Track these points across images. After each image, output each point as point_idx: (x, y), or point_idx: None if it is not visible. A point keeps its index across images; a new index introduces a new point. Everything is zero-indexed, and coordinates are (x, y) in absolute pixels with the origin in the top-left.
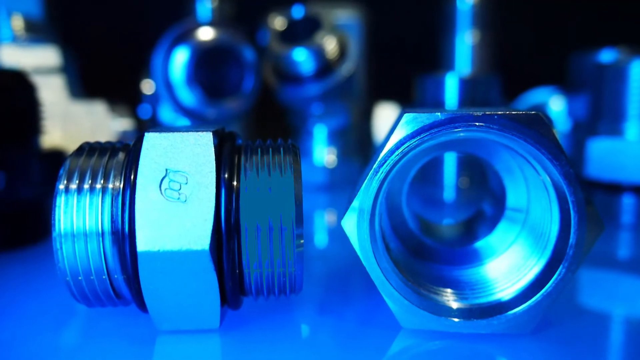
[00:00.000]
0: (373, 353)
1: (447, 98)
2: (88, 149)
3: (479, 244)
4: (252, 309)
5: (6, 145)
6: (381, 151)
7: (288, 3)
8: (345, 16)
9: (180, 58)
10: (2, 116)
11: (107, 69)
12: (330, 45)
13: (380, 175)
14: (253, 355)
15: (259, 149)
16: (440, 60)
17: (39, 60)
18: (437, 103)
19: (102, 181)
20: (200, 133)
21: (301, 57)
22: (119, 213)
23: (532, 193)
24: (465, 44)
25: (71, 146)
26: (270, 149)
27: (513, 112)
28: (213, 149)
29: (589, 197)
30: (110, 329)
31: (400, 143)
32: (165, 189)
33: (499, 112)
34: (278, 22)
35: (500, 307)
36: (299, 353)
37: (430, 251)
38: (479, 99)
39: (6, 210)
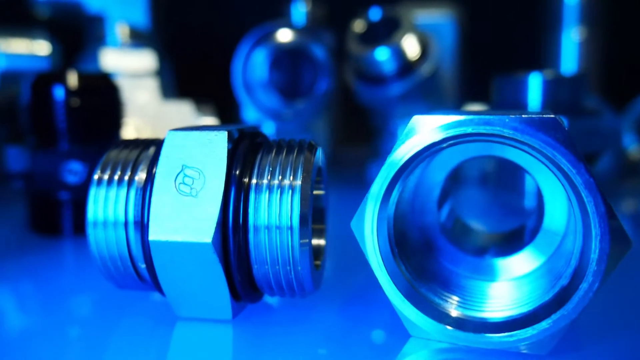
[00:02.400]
0: None
1: (530, 100)
2: (126, 143)
3: (506, 258)
4: (277, 304)
5: (91, 140)
6: (389, 155)
7: (382, 4)
8: (438, 15)
9: (257, 60)
10: (90, 114)
11: (206, 71)
12: (410, 44)
13: (387, 179)
14: (259, 350)
15: (275, 148)
16: (543, 59)
17: (137, 64)
18: (516, 105)
19: (129, 173)
20: (215, 132)
21: (383, 57)
22: (140, 204)
23: (570, 212)
24: (571, 41)
25: None
26: (285, 149)
27: (527, 116)
28: (226, 148)
29: (613, 209)
30: (139, 309)
31: (408, 146)
32: (180, 184)
33: (512, 115)
34: (357, 25)
35: (515, 324)
36: (304, 352)
37: (456, 257)
38: (563, 101)
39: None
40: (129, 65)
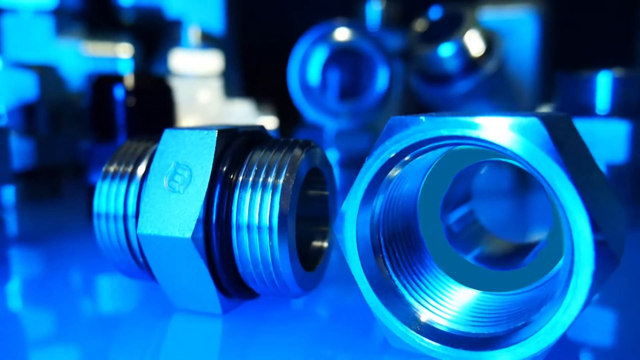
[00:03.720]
0: None
1: (598, 101)
2: (138, 139)
3: (505, 271)
4: (275, 302)
5: None
6: (366, 159)
7: (456, 3)
8: (519, 11)
9: (314, 59)
10: (145, 113)
11: (275, 71)
12: (474, 40)
13: (366, 181)
14: (245, 345)
15: (267, 146)
16: (637, 56)
17: (203, 65)
18: (581, 107)
19: (131, 168)
20: (206, 131)
21: (447, 53)
22: (136, 198)
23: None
24: None
25: None
26: (277, 147)
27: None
28: (214, 146)
29: (599, 224)
30: (145, 299)
31: (384, 148)
32: (170, 181)
33: (486, 117)
34: (419, 24)
35: (493, 342)
36: (289, 349)
37: (453, 262)
38: (635, 102)
39: None
40: (195, 66)
